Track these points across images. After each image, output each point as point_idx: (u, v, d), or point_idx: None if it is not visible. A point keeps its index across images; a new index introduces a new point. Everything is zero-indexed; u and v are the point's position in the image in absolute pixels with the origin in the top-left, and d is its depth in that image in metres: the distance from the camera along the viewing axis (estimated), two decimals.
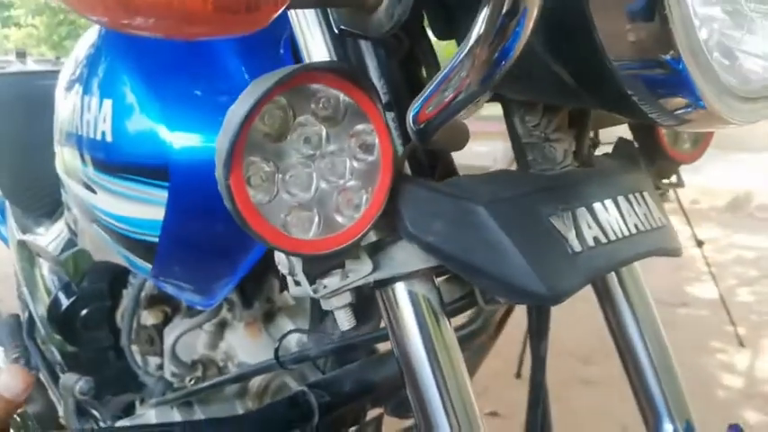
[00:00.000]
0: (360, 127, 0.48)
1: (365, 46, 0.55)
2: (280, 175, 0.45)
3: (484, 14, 0.39)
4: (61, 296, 1.24)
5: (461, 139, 0.55)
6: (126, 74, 0.75)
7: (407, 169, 0.55)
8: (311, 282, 0.48)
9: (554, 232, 0.49)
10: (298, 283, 0.49)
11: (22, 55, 2.84)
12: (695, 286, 3.46)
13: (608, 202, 0.54)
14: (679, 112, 0.43)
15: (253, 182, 0.44)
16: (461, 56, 0.41)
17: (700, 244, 2.82)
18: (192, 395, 0.99)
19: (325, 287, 0.49)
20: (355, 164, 0.48)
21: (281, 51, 0.69)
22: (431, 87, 0.44)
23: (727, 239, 4.51)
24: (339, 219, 0.48)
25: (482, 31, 0.39)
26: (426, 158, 0.59)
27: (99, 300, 1.20)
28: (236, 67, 0.71)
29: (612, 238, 0.52)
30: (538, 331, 0.72)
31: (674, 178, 0.76)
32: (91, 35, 0.89)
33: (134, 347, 1.15)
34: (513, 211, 0.49)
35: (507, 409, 2.16)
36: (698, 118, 0.43)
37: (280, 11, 0.37)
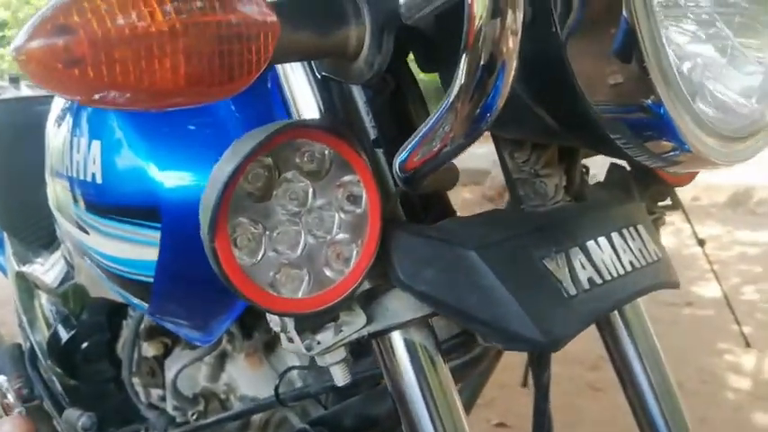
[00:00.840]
0: (346, 178, 0.48)
1: (352, 86, 0.54)
2: (267, 233, 0.45)
3: (462, 68, 0.38)
4: (60, 330, 1.23)
5: (450, 179, 0.55)
6: (114, 113, 0.74)
7: (400, 210, 0.54)
8: (304, 339, 0.48)
9: (548, 275, 0.49)
10: (291, 340, 0.49)
11: (15, 80, 2.83)
12: (700, 285, 3.42)
13: (601, 240, 0.53)
14: (666, 155, 0.42)
15: (239, 243, 0.43)
16: (444, 111, 0.40)
17: (701, 243, 2.79)
18: None
19: (318, 344, 0.48)
20: (343, 216, 0.48)
21: (269, 85, 0.69)
22: (417, 137, 0.43)
23: (730, 236, 4.47)
24: (329, 273, 0.47)
25: (462, 83, 0.38)
26: (419, 198, 0.58)
27: (98, 332, 1.19)
28: (224, 103, 0.70)
29: (608, 278, 0.51)
30: (539, 362, 0.71)
31: (669, 200, 0.75)
32: None
33: (135, 380, 1.14)
34: (506, 255, 0.49)
35: (515, 419, 2.15)
36: (686, 160, 0.43)
37: (256, 77, 0.37)
